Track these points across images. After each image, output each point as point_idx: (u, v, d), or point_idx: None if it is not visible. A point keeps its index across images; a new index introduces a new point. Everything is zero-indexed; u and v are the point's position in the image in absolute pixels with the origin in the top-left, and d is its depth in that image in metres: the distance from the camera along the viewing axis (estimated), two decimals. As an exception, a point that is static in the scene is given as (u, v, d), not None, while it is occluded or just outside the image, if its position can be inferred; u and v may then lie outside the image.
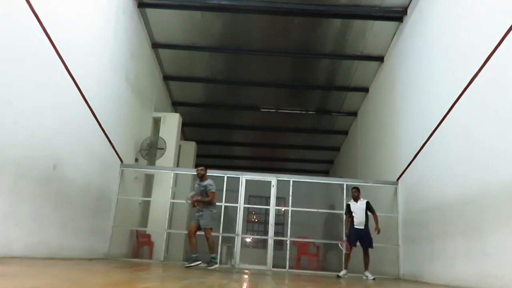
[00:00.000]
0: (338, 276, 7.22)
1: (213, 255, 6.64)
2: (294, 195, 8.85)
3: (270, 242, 8.74)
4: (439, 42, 6.70)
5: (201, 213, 6.71)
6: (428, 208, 6.68)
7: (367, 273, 7.17)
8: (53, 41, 5.35)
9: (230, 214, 8.85)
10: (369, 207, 7.47)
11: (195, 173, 7.18)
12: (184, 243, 11.86)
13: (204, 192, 6.78)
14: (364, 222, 7.36)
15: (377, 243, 8.88)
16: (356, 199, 7.51)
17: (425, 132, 6.88)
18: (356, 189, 7.61)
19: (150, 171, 9.75)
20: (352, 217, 7.44)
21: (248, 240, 17.51)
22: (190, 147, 13.31)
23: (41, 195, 5.33)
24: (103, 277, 3.53)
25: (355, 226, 7.38)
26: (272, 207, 8.87)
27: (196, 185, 6.96)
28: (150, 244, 9.44)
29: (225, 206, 8.59)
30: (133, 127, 9.05)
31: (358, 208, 7.43)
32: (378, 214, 9.08)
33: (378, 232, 7.30)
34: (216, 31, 9.41)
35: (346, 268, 7.40)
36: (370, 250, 7.32)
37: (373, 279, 7.03)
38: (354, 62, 10.17)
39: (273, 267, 8.53)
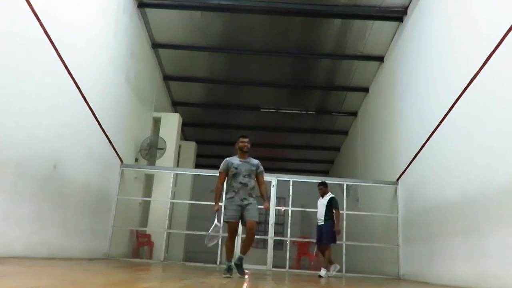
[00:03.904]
0: (320, 276, 6.92)
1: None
2: (294, 195, 8.85)
3: (270, 242, 8.74)
4: (439, 42, 6.70)
5: (247, 202, 5.10)
6: (428, 208, 6.67)
7: (323, 270, 6.99)
8: (53, 41, 5.35)
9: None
10: (331, 202, 7.21)
11: (240, 146, 5.28)
12: (184, 243, 11.88)
13: (254, 173, 5.27)
14: (322, 218, 7.17)
15: (377, 243, 8.91)
16: (322, 195, 7.33)
17: (425, 132, 6.88)
18: (322, 185, 7.40)
19: (150, 171, 9.76)
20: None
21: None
22: (190, 147, 13.33)
23: (41, 195, 5.33)
24: (103, 277, 3.52)
25: (318, 223, 7.31)
26: (272, 207, 8.87)
27: (239, 162, 5.23)
28: (150, 244, 9.44)
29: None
30: (133, 127, 9.05)
31: (320, 204, 7.32)
32: (378, 214, 9.10)
33: (338, 232, 7.13)
34: (216, 31, 9.41)
35: (331, 263, 7.23)
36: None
37: (319, 276, 6.84)
38: (354, 62, 10.17)
39: (273, 267, 8.53)
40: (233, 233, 5.10)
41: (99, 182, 7.37)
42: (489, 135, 4.95)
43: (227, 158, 5.32)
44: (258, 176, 5.30)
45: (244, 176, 5.15)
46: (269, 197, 5.23)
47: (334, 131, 14.17)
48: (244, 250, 5.09)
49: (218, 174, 5.29)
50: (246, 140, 5.31)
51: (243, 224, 5.13)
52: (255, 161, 5.35)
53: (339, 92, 11.71)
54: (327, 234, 7.11)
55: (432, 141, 6.69)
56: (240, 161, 5.25)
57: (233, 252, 5.21)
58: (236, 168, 5.19)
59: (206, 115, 13.65)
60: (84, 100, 6.41)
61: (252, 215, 5.02)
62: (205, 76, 11.17)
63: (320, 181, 7.67)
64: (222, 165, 5.29)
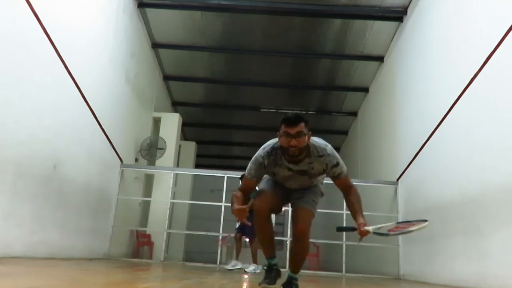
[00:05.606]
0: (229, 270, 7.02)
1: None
2: (294, 195, 8.81)
3: (270, 242, 8.71)
4: (439, 42, 6.70)
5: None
6: (428, 208, 6.67)
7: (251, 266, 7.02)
8: (53, 41, 5.35)
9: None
10: None
11: (282, 142, 2.67)
12: (184, 243, 11.88)
13: (319, 180, 3.08)
14: None
15: (377, 243, 8.90)
16: None
17: (425, 132, 6.87)
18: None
19: (150, 171, 9.76)
20: None
21: (248, 240, 17.48)
22: (190, 147, 13.34)
23: (41, 195, 5.33)
24: (103, 277, 3.52)
25: None
26: (272, 207, 8.84)
27: (287, 167, 2.83)
28: (150, 244, 9.44)
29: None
30: (133, 127, 9.05)
31: None
32: (378, 214, 9.09)
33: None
34: (216, 31, 9.41)
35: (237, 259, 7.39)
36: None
37: (245, 271, 6.90)
38: (354, 62, 10.17)
39: (273, 267, 8.51)
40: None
41: (99, 182, 7.37)
42: (489, 135, 4.95)
43: (264, 153, 2.82)
44: (337, 183, 2.94)
45: (296, 190, 3.04)
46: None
47: (334, 131, 14.17)
48: (293, 263, 2.98)
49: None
50: (294, 131, 2.59)
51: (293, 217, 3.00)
52: (321, 158, 2.77)
53: (339, 92, 11.71)
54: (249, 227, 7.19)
55: (432, 141, 6.69)
56: (290, 164, 2.80)
57: (272, 241, 3.00)
58: (283, 179, 2.95)
59: (206, 115, 13.65)
60: (84, 100, 6.40)
61: (305, 199, 2.97)
62: (205, 76, 11.17)
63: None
64: (251, 165, 2.90)
